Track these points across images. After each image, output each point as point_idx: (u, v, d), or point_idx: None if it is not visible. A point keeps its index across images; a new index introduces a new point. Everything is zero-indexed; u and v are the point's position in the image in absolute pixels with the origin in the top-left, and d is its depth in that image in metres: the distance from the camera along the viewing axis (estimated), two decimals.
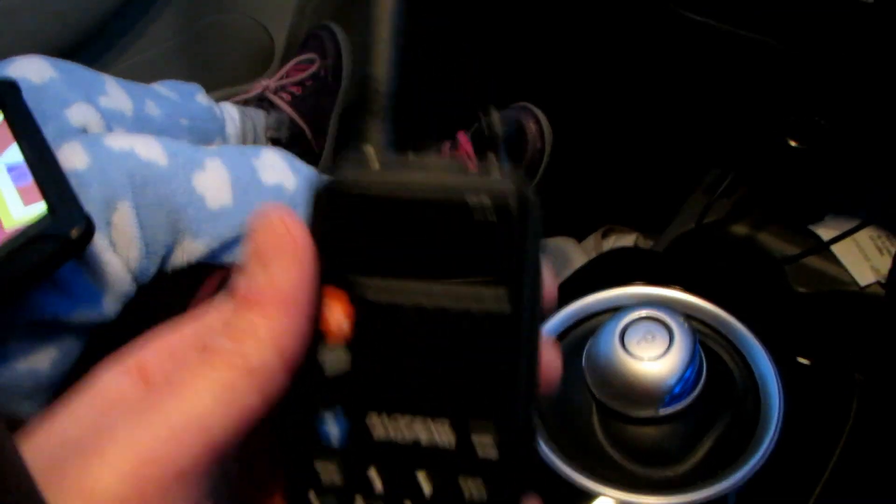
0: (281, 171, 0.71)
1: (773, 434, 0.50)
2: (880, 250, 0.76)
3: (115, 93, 0.80)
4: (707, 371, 0.51)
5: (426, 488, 0.25)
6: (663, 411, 0.48)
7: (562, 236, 1.08)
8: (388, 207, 0.25)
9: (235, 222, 0.65)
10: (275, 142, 1.00)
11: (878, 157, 0.73)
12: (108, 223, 0.59)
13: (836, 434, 0.54)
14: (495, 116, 0.27)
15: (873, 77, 0.64)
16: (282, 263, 0.23)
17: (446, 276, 0.25)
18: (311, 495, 0.25)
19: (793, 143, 0.72)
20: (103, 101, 0.77)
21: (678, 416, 0.49)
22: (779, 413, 0.51)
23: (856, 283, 0.75)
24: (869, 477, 0.55)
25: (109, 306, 0.59)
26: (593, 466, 0.49)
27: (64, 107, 0.72)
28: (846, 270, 0.76)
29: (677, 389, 0.48)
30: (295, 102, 1.03)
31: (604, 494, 0.48)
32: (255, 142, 0.98)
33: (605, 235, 1.09)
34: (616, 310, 0.56)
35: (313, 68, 1.05)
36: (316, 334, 0.25)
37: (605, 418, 0.50)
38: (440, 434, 0.25)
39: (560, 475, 0.49)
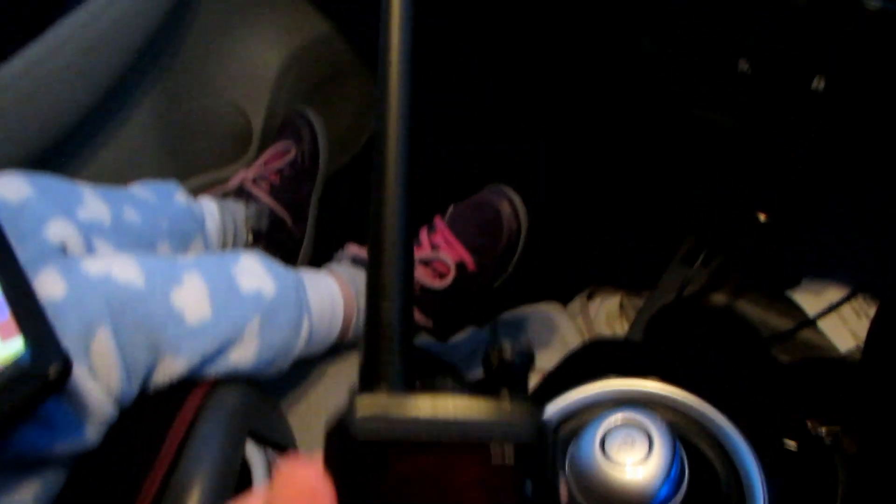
0: (259, 277, 0.71)
1: None
2: (857, 314, 0.77)
3: (93, 203, 0.81)
4: (690, 468, 0.51)
5: None
6: None
7: (547, 301, 1.09)
8: (406, 452, 0.25)
9: (215, 335, 0.65)
10: (256, 232, 1.01)
11: (849, 223, 0.75)
12: (87, 351, 0.59)
13: None
14: (507, 346, 0.28)
15: (829, 154, 0.66)
16: None
17: None
18: None
19: (762, 217, 0.73)
20: (81, 213, 0.78)
21: None
22: None
23: (836, 349, 0.75)
24: None
25: (92, 434, 0.59)
26: None
27: (42, 224, 0.72)
28: (826, 338, 0.76)
29: (662, 493, 0.48)
30: (273, 192, 1.04)
31: None
32: (236, 234, 0.99)
33: (590, 297, 1.09)
34: (596, 407, 0.56)
35: (290, 156, 1.07)
36: None
37: None
38: None
39: None
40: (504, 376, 0.27)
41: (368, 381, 0.27)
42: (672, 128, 0.78)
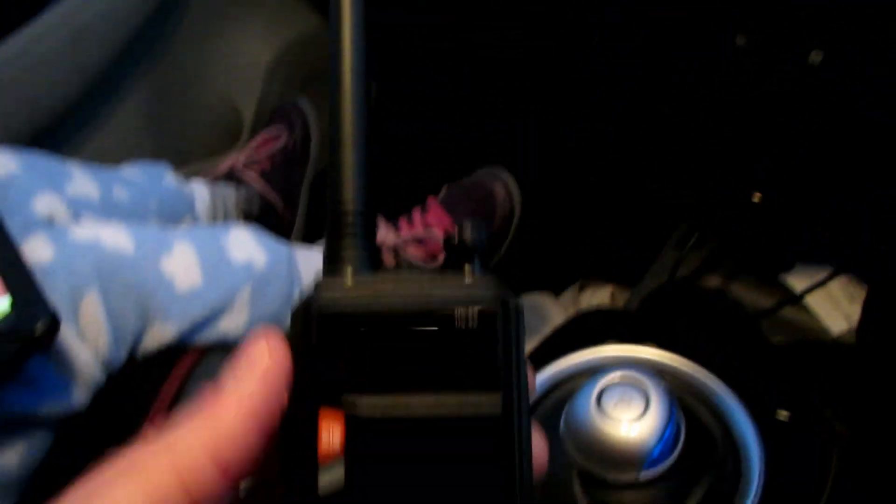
0: (250, 249, 0.70)
1: (755, 493, 0.49)
2: (851, 298, 0.77)
3: (82, 179, 0.80)
4: (686, 431, 0.51)
5: None
6: (644, 475, 0.48)
7: (538, 291, 1.09)
8: (369, 324, 0.25)
9: (205, 303, 0.65)
10: (246, 216, 1.00)
11: (843, 204, 0.75)
12: (76, 313, 0.58)
13: (819, 488, 0.54)
14: (467, 225, 0.28)
15: (827, 133, 0.66)
16: (249, 378, 0.24)
17: (434, 387, 0.25)
18: None
19: (756, 198, 0.73)
20: (69, 189, 0.77)
21: (659, 479, 0.48)
22: (759, 471, 0.51)
23: (828, 332, 0.75)
24: None
25: (79, 397, 0.58)
26: None
27: (29, 198, 0.71)
28: (818, 320, 0.76)
29: (656, 453, 0.48)
30: (265, 176, 1.03)
31: None
32: (226, 218, 0.98)
33: (581, 289, 1.09)
34: (592, 371, 0.56)
35: (281, 142, 1.06)
36: (310, 454, 0.25)
37: (587, 486, 0.50)
38: None
39: None
40: (465, 255, 0.28)
41: (332, 266, 0.28)
42: (665, 108, 0.78)
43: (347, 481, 0.25)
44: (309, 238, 1.08)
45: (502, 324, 0.25)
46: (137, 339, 0.62)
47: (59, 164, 0.80)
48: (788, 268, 0.80)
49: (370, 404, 0.25)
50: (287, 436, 0.26)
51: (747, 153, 0.73)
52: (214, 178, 1.03)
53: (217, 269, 0.67)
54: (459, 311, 0.25)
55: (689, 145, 0.79)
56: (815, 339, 0.76)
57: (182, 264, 0.65)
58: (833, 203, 0.74)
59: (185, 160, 1.12)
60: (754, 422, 0.53)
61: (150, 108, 1.13)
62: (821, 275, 0.78)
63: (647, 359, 0.56)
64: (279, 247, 0.73)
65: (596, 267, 1.07)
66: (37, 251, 0.60)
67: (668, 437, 0.48)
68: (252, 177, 1.02)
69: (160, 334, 0.63)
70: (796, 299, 0.72)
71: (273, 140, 1.07)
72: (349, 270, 0.27)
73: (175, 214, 0.89)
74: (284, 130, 1.07)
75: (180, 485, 0.22)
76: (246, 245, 0.70)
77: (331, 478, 0.25)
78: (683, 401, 0.54)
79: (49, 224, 0.70)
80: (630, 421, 0.48)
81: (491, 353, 0.25)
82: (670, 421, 0.49)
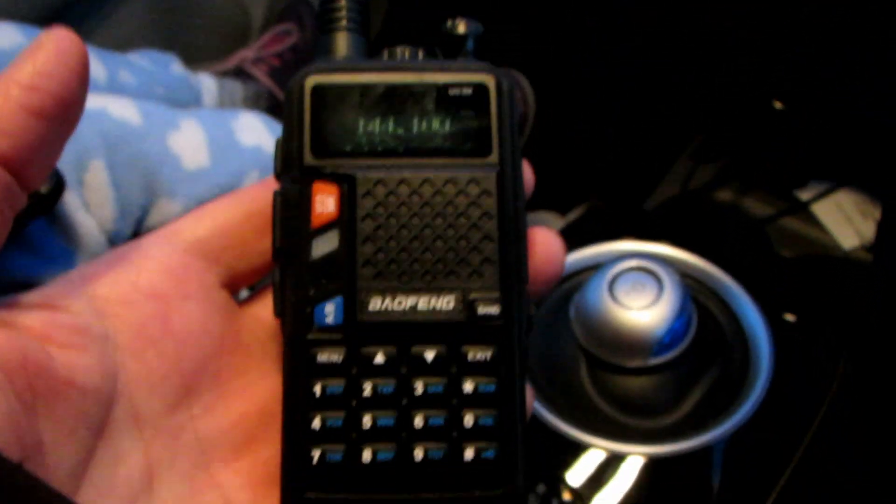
0: (260, 133, 0.69)
1: (762, 386, 0.49)
2: (864, 215, 0.76)
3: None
4: (696, 324, 0.50)
5: (428, 356, 0.24)
6: (652, 361, 0.48)
7: (545, 210, 1.08)
8: (362, 94, 0.25)
9: (213, 183, 0.63)
10: None
11: (860, 120, 0.73)
12: (81, 182, 0.57)
13: (824, 389, 0.54)
14: (459, 20, 0.28)
15: (857, 38, 0.64)
16: (20, 64, 0.23)
17: (429, 153, 0.25)
18: (310, 375, 0.25)
19: (778, 105, 0.72)
20: None
21: (667, 366, 0.48)
22: (768, 366, 0.51)
23: (840, 246, 0.74)
24: (854, 431, 0.54)
25: None
26: (582, 418, 0.48)
27: None
28: (830, 234, 0.75)
29: (667, 339, 0.47)
30: (273, 74, 1.01)
31: (593, 445, 0.47)
32: None
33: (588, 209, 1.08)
34: (605, 264, 0.55)
35: (292, 40, 1.04)
36: (303, 222, 0.25)
37: (594, 370, 0.50)
38: (439, 304, 0.24)
39: (549, 427, 0.48)
40: (460, 44, 0.28)
41: (326, 51, 0.27)
42: (686, 13, 0.75)
43: (341, 243, 0.25)
44: None
45: (496, 94, 0.25)
46: (143, 214, 0.61)
47: None
48: (802, 184, 0.79)
49: (366, 168, 0.25)
50: (280, 214, 0.25)
51: (769, 57, 0.71)
52: (222, 74, 1.00)
53: (225, 150, 0.65)
54: (451, 80, 0.25)
55: (706, 51, 0.77)
56: (825, 254, 0.75)
57: (190, 142, 0.64)
58: (853, 116, 0.72)
59: (192, 60, 1.10)
60: (765, 318, 0.52)
61: (154, 5, 1.10)
62: (835, 193, 0.77)
63: (661, 253, 0.55)
64: None
65: (605, 189, 1.06)
66: None
67: (678, 325, 0.48)
68: (261, 73, 1.00)
69: (166, 211, 0.62)
70: (802, 206, 0.71)
71: (283, 38, 1.04)
72: (343, 53, 0.27)
73: (181, 104, 0.87)
74: (295, 28, 1.05)
75: None
76: (255, 129, 0.69)
77: (324, 242, 0.25)
78: (695, 294, 0.53)
79: None
80: (641, 307, 0.48)
81: (485, 121, 0.25)
82: (682, 309, 0.48)
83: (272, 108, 1.00)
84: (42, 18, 1.00)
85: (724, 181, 0.81)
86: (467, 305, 0.24)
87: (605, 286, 0.48)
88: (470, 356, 0.24)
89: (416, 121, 0.25)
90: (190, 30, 1.14)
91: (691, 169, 0.78)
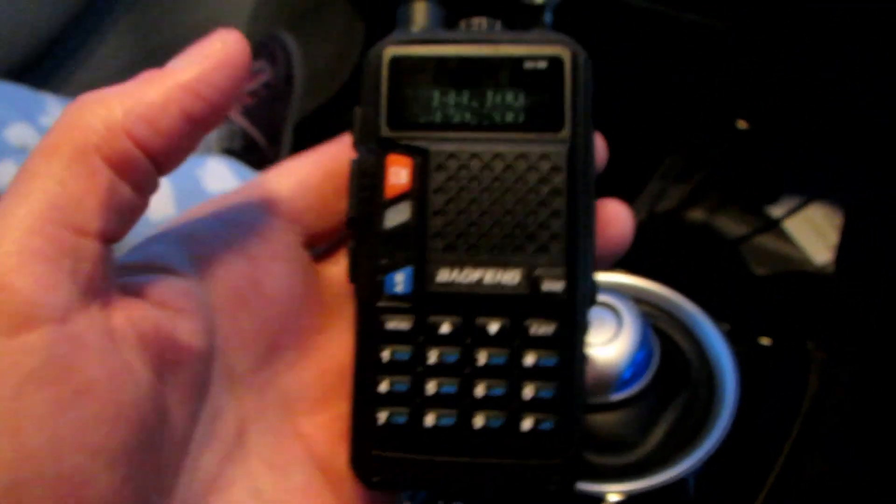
0: (226, 180, 0.69)
1: (729, 414, 0.49)
2: (834, 227, 0.76)
3: (57, 111, 0.79)
4: (661, 354, 0.50)
5: (492, 328, 0.25)
6: (615, 397, 0.48)
7: None
8: (439, 67, 0.26)
9: None
10: (228, 153, 0.99)
11: (825, 134, 0.73)
12: None
13: (794, 412, 0.54)
14: None
15: (816, 52, 0.64)
16: (189, 62, 0.24)
17: (501, 125, 0.26)
18: (379, 341, 0.26)
19: (742, 125, 0.72)
20: (44, 120, 0.76)
21: (631, 401, 0.48)
22: (734, 393, 0.51)
23: (812, 262, 0.75)
24: (827, 453, 0.54)
25: None
26: None
27: (2, 127, 0.70)
28: (802, 250, 0.75)
29: (627, 374, 0.47)
30: (247, 112, 1.02)
31: None
32: (208, 154, 0.97)
33: None
34: None
35: (264, 77, 1.04)
36: (377, 192, 0.26)
37: None
38: (505, 278, 0.25)
39: None
40: (536, 14, 0.28)
41: (404, 22, 0.28)
42: (654, 35, 0.76)
43: (413, 214, 0.25)
44: None
45: (571, 69, 0.25)
46: None
47: (33, 95, 0.78)
48: (774, 200, 0.79)
49: (439, 142, 0.25)
50: (355, 183, 0.26)
51: (735, 79, 0.72)
52: None
53: (191, 200, 0.66)
54: (528, 54, 0.25)
55: (671, 74, 0.77)
56: (798, 270, 0.75)
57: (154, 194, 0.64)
58: (817, 131, 0.73)
59: None
60: (730, 345, 0.52)
61: (134, 45, 1.11)
62: (807, 208, 0.77)
63: (621, 283, 0.55)
64: (255, 175, 0.72)
65: None
66: (7, 177, 0.59)
67: (639, 359, 0.48)
68: (234, 113, 1.01)
69: None
70: (774, 224, 0.71)
71: (256, 75, 1.05)
72: (420, 23, 0.27)
73: None
74: (267, 66, 1.05)
75: (105, 160, 0.22)
76: (222, 176, 0.69)
77: (396, 213, 0.25)
78: (658, 323, 0.53)
79: (22, 152, 0.69)
80: (601, 344, 0.47)
81: (559, 95, 0.25)
82: (642, 343, 0.48)
83: (247, 147, 1.00)
84: (20, 63, 1.00)
85: (695, 202, 0.81)
86: (532, 281, 0.25)
87: None
88: (532, 330, 0.25)
89: (490, 94, 0.26)
90: None
91: (660, 190, 0.79)
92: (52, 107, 0.79)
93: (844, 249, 0.67)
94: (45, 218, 0.21)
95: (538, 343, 0.25)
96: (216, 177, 0.69)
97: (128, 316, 0.23)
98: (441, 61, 0.26)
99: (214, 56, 0.23)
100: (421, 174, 0.25)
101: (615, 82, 0.88)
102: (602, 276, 0.56)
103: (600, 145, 0.27)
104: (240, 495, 0.25)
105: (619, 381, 0.47)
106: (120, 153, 0.22)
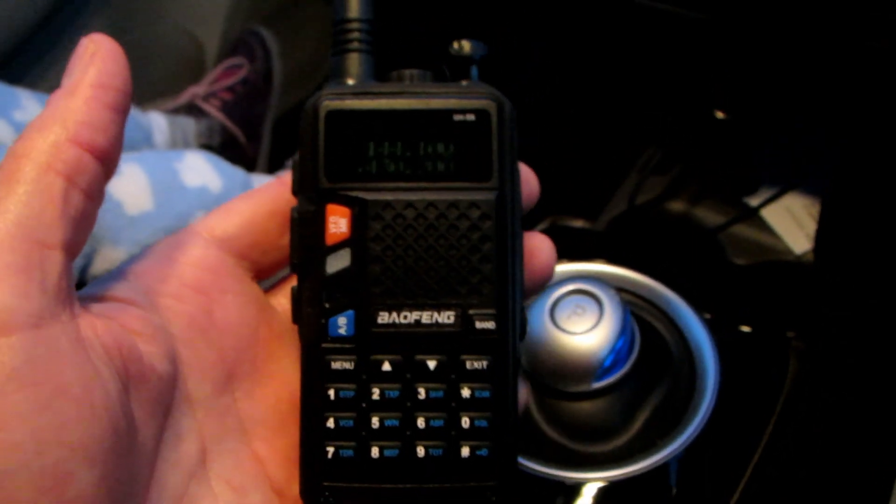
0: (205, 173, 0.69)
1: (710, 400, 0.49)
2: (813, 217, 0.77)
3: (32, 106, 0.78)
4: (641, 342, 0.50)
5: (430, 364, 0.27)
6: (597, 385, 0.48)
7: None
8: (372, 120, 0.27)
9: (157, 227, 0.63)
10: (207, 149, 0.98)
11: (803, 123, 0.74)
12: None
13: (774, 398, 0.54)
14: (465, 42, 0.30)
15: (794, 42, 0.65)
16: (83, 68, 0.25)
17: (434, 175, 0.27)
18: (325, 380, 0.27)
19: (719, 115, 0.72)
20: (18, 115, 0.75)
21: (613, 388, 0.48)
22: (715, 380, 0.51)
23: (791, 251, 0.75)
24: (807, 439, 0.54)
25: None
26: (531, 446, 0.48)
27: None
28: (781, 239, 0.76)
29: (608, 362, 0.47)
30: (226, 108, 1.01)
31: (545, 475, 0.47)
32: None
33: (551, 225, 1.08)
34: (545, 290, 0.55)
35: (242, 73, 1.04)
36: (318, 240, 0.27)
37: (541, 396, 0.49)
38: (441, 318, 0.27)
39: None
40: (464, 66, 0.29)
41: (338, 73, 0.29)
42: (630, 26, 0.76)
43: (353, 261, 0.27)
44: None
45: (497, 121, 0.27)
46: (86, 261, 0.61)
47: (7, 90, 0.77)
48: (752, 190, 0.80)
49: (375, 192, 0.27)
50: (297, 231, 0.28)
51: (712, 69, 0.72)
52: (174, 110, 1.00)
53: (169, 192, 0.65)
54: (456, 107, 0.27)
55: (647, 66, 0.78)
56: (777, 260, 0.76)
57: (131, 187, 0.63)
58: (795, 121, 0.73)
59: (148, 96, 1.09)
60: (711, 333, 0.52)
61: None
62: (786, 198, 0.78)
63: (602, 272, 0.55)
64: (235, 172, 0.72)
65: (565, 204, 1.06)
66: None
67: (620, 347, 0.48)
68: (213, 108, 1.00)
69: (110, 258, 0.62)
70: (752, 212, 0.71)
71: (234, 71, 1.04)
72: (355, 74, 0.28)
73: (132, 143, 0.86)
74: (245, 62, 1.05)
75: (58, 174, 0.24)
76: (200, 170, 0.69)
77: (337, 260, 0.27)
78: (638, 312, 0.53)
79: None
80: (583, 332, 0.48)
81: (486, 146, 0.27)
82: (623, 331, 0.48)
83: (226, 142, 1.00)
84: None
85: (674, 193, 0.81)
86: (466, 320, 0.27)
87: (546, 312, 0.48)
88: (467, 365, 0.27)
89: (422, 146, 0.27)
90: (145, 67, 1.13)
91: (639, 182, 0.79)
92: (26, 102, 0.78)
93: (822, 238, 0.68)
94: (12, 234, 0.23)
95: (473, 377, 0.27)
96: (194, 170, 0.69)
97: (93, 328, 0.24)
98: (376, 115, 0.27)
99: (98, 53, 0.25)
100: (359, 223, 0.27)
101: (592, 75, 0.88)
102: (584, 266, 0.56)
103: (533, 184, 0.29)
104: None
105: (600, 370, 0.48)
106: (70, 162, 0.24)
